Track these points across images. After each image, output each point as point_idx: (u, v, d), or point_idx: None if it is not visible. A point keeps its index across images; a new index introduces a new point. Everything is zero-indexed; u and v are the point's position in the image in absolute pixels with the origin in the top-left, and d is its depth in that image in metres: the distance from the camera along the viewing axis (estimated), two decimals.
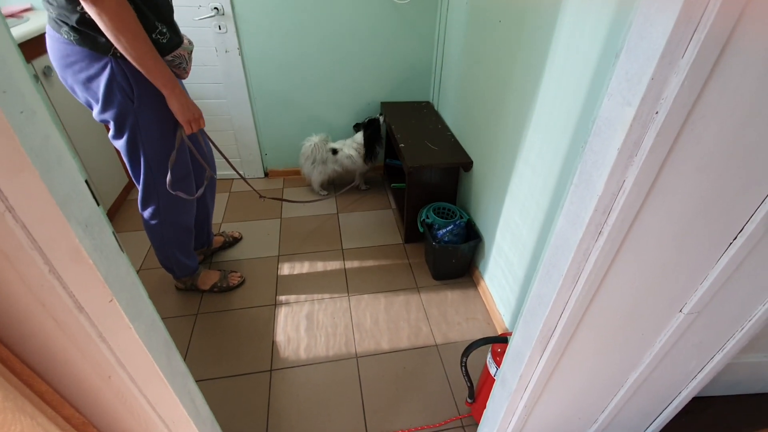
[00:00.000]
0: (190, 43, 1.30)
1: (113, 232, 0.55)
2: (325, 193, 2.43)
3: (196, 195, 1.47)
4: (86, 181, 0.50)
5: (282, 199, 2.02)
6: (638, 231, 0.65)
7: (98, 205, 0.52)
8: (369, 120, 2.27)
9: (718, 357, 1.01)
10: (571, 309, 0.75)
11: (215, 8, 1.90)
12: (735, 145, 0.58)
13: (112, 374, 0.63)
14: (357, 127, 2.36)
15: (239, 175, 1.73)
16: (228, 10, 1.92)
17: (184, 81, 1.36)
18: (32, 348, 0.58)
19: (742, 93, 0.52)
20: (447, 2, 2.00)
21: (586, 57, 1.02)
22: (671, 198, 0.62)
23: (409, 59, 2.25)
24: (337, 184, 2.52)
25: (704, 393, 1.44)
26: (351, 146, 2.28)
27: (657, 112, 0.52)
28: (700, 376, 1.07)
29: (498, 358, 1.14)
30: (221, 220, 2.21)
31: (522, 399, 0.97)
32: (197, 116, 1.28)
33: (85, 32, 1.06)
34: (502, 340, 1.16)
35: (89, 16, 1.02)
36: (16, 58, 0.42)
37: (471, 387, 1.27)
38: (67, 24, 1.05)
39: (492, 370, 1.17)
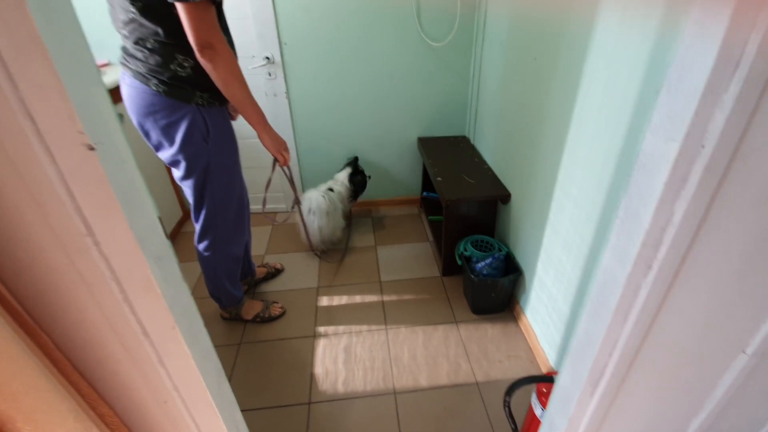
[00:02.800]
0: None
1: (178, 264, 0.60)
2: (321, 249, 2.32)
3: (279, 222, 1.79)
4: (159, 218, 0.56)
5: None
6: (692, 266, 0.63)
7: (168, 239, 0.58)
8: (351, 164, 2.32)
9: None
10: (622, 348, 0.72)
11: (267, 57, 2.07)
12: None
13: (168, 399, 0.66)
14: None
15: (302, 224, 1.92)
16: (278, 58, 2.09)
17: (236, 122, 1.48)
18: (100, 372, 0.62)
19: None
20: (481, 43, 2.07)
21: (625, 91, 1.02)
22: (726, 233, 0.60)
23: (445, 96, 2.32)
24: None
25: None
26: (338, 184, 2.29)
27: (703, 146, 0.52)
28: None
29: (543, 399, 1.09)
30: (264, 252, 2.30)
31: None
32: (285, 146, 1.44)
33: (173, 84, 1.20)
34: (548, 379, 1.11)
35: (181, 72, 1.18)
36: (112, 115, 0.49)
37: (515, 429, 1.21)
38: (157, 78, 1.19)
39: (537, 411, 1.11)
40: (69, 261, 0.51)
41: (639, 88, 0.97)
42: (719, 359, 0.79)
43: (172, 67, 1.17)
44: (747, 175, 0.55)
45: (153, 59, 1.16)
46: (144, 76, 1.19)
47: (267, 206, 2.55)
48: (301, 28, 2.04)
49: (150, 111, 1.23)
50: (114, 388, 0.65)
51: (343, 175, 2.31)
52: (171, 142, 1.28)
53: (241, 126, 2.21)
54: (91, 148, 0.46)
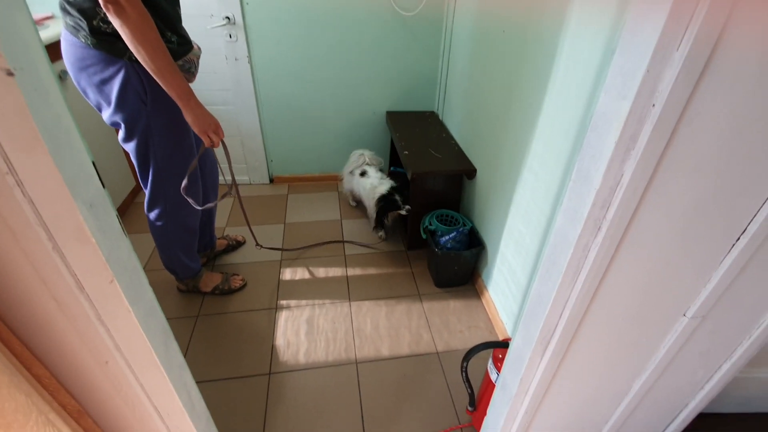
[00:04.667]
0: (199, 48, 1.35)
1: (117, 216, 0.56)
2: (354, 204, 2.40)
3: (204, 207, 1.49)
4: (93, 163, 0.52)
5: (278, 248, 2.02)
6: (638, 227, 0.65)
7: (104, 187, 0.53)
8: (386, 195, 1.98)
9: (725, 366, 0.99)
10: (572, 308, 0.75)
11: (227, 17, 1.96)
12: (733, 143, 0.58)
13: (109, 359, 0.63)
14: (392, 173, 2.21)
15: (249, 229, 1.79)
16: (239, 19, 1.98)
17: (192, 86, 1.40)
18: (32, 329, 0.58)
19: (739, 91, 0.53)
20: (452, 14, 2.04)
21: (587, 63, 1.03)
22: (670, 195, 0.62)
23: (414, 69, 2.29)
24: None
25: (714, 409, 1.40)
26: (375, 182, 2.08)
27: (653, 105, 0.53)
28: (707, 387, 1.04)
29: (499, 364, 1.13)
30: (225, 224, 2.23)
31: (523, 404, 0.96)
32: (214, 128, 1.28)
33: (102, 37, 1.10)
34: (504, 345, 1.15)
35: (106, 28, 1.09)
36: (35, 38, 0.44)
37: (472, 394, 1.25)
38: (85, 30, 1.09)
39: (493, 376, 1.15)
40: None
41: (601, 58, 0.99)
42: (662, 321, 0.84)
43: (95, 23, 1.08)
44: (691, 139, 0.57)
45: (77, 12, 1.06)
46: (74, 27, 1.10)
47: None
48: None
49: (82, 65, 1.14)
50: (49, 348, 0.61)
51: (385, 186, 2.03)
52: (108, 102, 1.19)
53: (200, 90, 2.10)
54: (10, 73, 0.41)
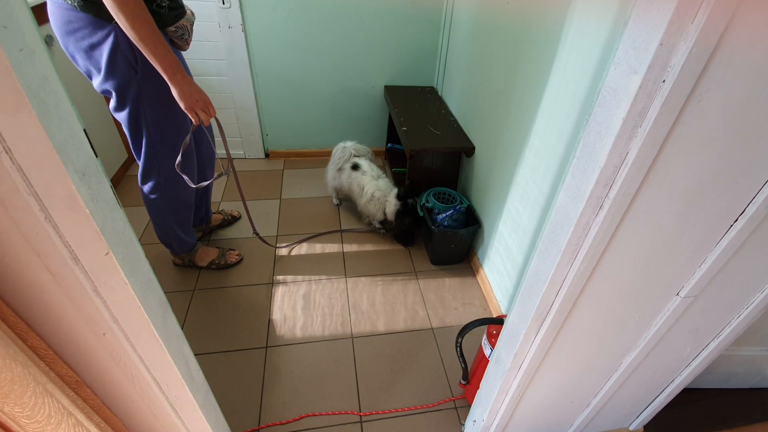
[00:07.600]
0: (192, 14, 1.29)
1: (111, 186, 0.55)
2: (338, 203, 2.23)
3: (198, 185, 1.43)
4: (84, 131, 0.50)
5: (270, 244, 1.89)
6: (639, 207, 0.65)
7: (96, 156, 0.52)
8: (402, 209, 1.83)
9: (712, 345, 1.01)
10: (569, 286, 0.75)
11: None
12: (739, 123, 0.57)
13: (106, 331, 0.63)
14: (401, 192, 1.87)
15: (248, 214, 1.71)
16: None
17: (184, 55, 1.35)
18: (26, 301, 0.58)
19: (749, 69, 0.52)
20: None
21: (594, 37, 1.01)
22: (673, 174, 0.62)
23: (414, 42, 2.22)
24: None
25: (698, 384, 1.44)
26: (374, 183, 1.92)
27: (664, 81, 0.51)
28: (694, 364, 1.07)
29: (493, 340, 1.15)
30: (221, 199, 2.21)
31: (516, 378, 0.98)
32: (203, 105, 1.22)
33: None
34: (499, 321, 1.17)
35: None
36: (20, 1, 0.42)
37: (465, 368, 1.27)
38: None
39: (487, 351, 1.17)
40: None
41: (609, 31, 0.96)
42: (655, 301, 0.85)
43: None
44: (699, 117, 0.56)
45: None
46: None
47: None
48: None
49: (69, 29, 1.09)
50: (45, 320, 0.61)
51: (391, 198, 1.87)
52: (97, 68, 1.15)
53: (192, 59, 2.03)
54: None
